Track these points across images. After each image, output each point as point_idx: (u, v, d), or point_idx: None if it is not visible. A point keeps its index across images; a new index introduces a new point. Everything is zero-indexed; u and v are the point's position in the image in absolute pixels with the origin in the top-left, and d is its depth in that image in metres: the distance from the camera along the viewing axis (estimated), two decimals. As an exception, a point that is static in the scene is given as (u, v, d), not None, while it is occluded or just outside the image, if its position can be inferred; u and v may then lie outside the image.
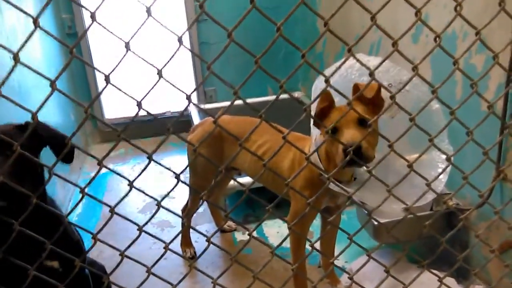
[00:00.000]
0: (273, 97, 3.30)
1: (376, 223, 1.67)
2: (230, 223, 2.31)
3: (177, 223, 2.32)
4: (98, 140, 3.48)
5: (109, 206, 0.93)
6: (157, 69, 0.83)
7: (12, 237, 0.86)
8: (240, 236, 2.28)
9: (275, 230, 2.28)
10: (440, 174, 1.20)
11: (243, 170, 1.83)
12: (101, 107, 3.43)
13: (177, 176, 0.95)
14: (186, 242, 2.11)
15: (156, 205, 0.97)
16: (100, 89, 3.43)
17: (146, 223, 0.96)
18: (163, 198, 0.97)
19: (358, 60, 0.91)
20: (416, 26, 1.00)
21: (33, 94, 2.06)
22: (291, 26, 3.25)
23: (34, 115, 0.79)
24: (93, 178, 0.93)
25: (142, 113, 0.90)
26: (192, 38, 3.37)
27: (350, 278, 1.17)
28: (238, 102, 0.85)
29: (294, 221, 1.19)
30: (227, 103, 3.06)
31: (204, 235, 1.04)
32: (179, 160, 2.92)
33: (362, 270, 1.19)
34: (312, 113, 1.27)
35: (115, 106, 3.44)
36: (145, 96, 0.88)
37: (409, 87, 1.25)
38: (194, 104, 0.90)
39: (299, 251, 1.64)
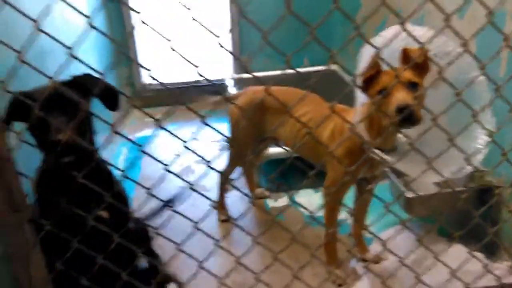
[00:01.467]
0: (309, 68, 3.33)
1: (409, 195, 1.72)
2: (263, 190, 2.39)
3: (212, 187, 2.41)
4: (137, 104, 3.57)
5: (164, 164, 0.98)
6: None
7: (75, 188, 0.94)
8: (272, 202, 2.36)
9: (306, 199, 2.34)
10: (478, 149, 1.21)
11: (282, 140, 1.88)
12: (140, 73, 3.52)
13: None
14: (222, 205, 2.21)
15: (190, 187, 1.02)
16: (139, 55, 3.50)
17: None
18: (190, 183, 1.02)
19: (406, 30, 0.93)
20: (464, 2, 1.01)
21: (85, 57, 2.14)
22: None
23: (102, 77, 0.86)
24: (149, 139, 0.98)
25: (178, 80, 0.95)
26: (231, 6, 3.40)
27: (383, 245, 1.22)
28: (275, 73, 0.89)
29: (330, 189, 1.24)
30: (262, 74, 3.12)
31: (247, 196, 1.09)
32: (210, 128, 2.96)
33: (391, 240, 1.24)
34: (359, 80, 1.31)
35: (154, 73, 3.52)
36: (176, 66, 0.91)
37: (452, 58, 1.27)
38: (201, 74, 0.94)
39: (333, 220, 1.70)
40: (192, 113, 0.95)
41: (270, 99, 1.71)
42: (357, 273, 1.79)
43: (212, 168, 1.02)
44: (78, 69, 1.11)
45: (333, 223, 1.68)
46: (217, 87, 3.44)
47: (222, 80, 3.41)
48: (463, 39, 0.94)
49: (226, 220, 2.18)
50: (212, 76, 3.52)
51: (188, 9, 0.86)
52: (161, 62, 3.47)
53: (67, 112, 1.10)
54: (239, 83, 3.27)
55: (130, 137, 3.12)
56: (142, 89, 3.56)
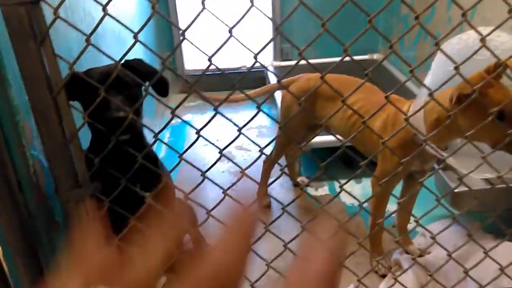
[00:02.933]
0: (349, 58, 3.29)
1: (457, 190, 1.68)
2: (303, 178, 2.39)
3: (252, 173, 2.43)
4: (177, 90, 3.64)
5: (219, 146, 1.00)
6: (228, 27, 0.87)
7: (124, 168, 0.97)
8: (313, 191, 2.36)
9: (348, 189, 2.33)
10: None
11: (333, 127, 1.88)
12: (183, 58, 3.57)
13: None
14: (264, 191, 2.23)
15: (240, 172, 1.04)
16: (176, 40, 3.55)
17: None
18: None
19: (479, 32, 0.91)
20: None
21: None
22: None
23: (164, 61, 0.88)
24: (209, 121, 1.00)
25: (219, 66, 0.96)
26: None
27: (433, 238, 1.21)
28: (317, 60, 0.87)
29: (381, 180, 1.23)
30: (303, 62, 3.10)
31: (297, 184, 1.10)
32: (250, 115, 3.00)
33: (436, 233, 1.22)
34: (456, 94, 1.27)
35: (196, 58, 3.57)
36: (215, 53, 0.92)
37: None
38: (260, 63, 0.94)
39: (380, 211, 1.70)
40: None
41: (323, 86, 1.70)
42: (400, 265, 1.78)
43: (264, 154, 1.04)
44: (129, 54, 1.14)
45: (381, 214, 1.68)
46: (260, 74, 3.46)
47: (263, 67, 3.42)
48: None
49: (268, 206, 2.20)
50: (252, 62, 3.52)
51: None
52: (202, 47, 3.52)
53: (122, 93, 1.14)
54: (280, 70, 3.27)
55: (172, 122, 3.18)
56: (184, 74, 3.61)
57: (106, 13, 0.78)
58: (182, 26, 3.76)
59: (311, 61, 3.08)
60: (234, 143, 1.10)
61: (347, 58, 0.84)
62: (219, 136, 2.79)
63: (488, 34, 0.93)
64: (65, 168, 0.91)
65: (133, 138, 1.11)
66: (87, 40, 0.79)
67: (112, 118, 1.04)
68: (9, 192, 0.92)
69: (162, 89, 1.30)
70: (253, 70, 3.58)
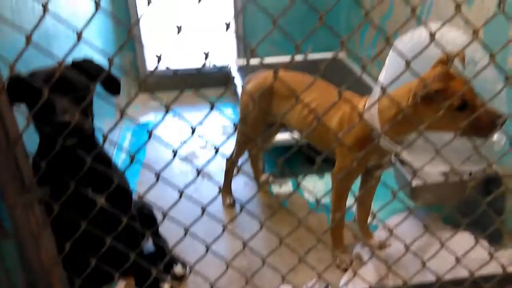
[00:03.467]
0: (314, 54, 3.32)
1: (415, 184, 1.72)
2: (267, 175, 2.39)
3: (216, 173, 2.42)
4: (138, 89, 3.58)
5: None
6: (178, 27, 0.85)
7: (74, 172, 0.94)
8: (277, 188, 2.36)
9: (311, 186, 2.35)
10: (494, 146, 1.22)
11: (290, 126, 1.88)
12: (144, 58, 3.51)
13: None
14: (227, 190, 2.22)
15: (197, 172, 1.03)
16: (144, 40, 3.49)
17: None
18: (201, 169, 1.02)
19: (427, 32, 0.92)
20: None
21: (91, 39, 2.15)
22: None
23: (110, 60, 0.85)
24: (160, 120, 0.98)
25: (183, 66, 0.94)
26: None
27: (390, 231, 1.23)
28: (279, 58, 0.86)
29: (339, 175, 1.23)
30: (268, 59, 3.10)
31: (254, 181, 1.09)
32: (214, 114, 2.98)
33: (396, 227, 1.25)
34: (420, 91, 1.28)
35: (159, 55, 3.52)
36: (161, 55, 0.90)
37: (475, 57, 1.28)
38: (213, 64, 0.93)
39: (341, 206, 1.71)
40: (194, 98, 0.94)
41: (278, 84, 1.70)
42: (361, 258, 1.80)
43: (218, 154, 1.02)
44: (82, 53, 1.10)
45: (341, 209, 1.70)
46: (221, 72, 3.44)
47: (226, 65, 3.40)
48: (473, 29, 0.93)
49: (231, 205, 2.19)
50: (216, 61, 3.51)
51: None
52: (164, 46, 3.46)
53: (69, 94, 1.10)
54: (242, 68, 3.27)
55: (134, 121, 3.14)
56: (145, 74, 3.55)
57: (45, 11, 0.74)
58: (144, 24, 3.63)
59: (273, 58, 3.10)
60: (198, 143, 1.09)
61: (310, 57, 0.84)
62: (184, 136, 2.77)
63: (437, 30, 0.95)
64: (10, 172, 0.87)
65: (82, 141, 1.08)
66: (28, 39, 0.76)
67: (57, 122, 1.00)
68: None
69: (114, 88, 1.27)
70: (217, 68, 3.56)
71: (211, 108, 0.97)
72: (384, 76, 1.30)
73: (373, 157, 1.56)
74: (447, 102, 1.16)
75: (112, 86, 1.23)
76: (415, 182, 1.65)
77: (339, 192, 1.69)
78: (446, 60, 1.27)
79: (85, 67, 1.17)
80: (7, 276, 1.08)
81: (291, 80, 1.73)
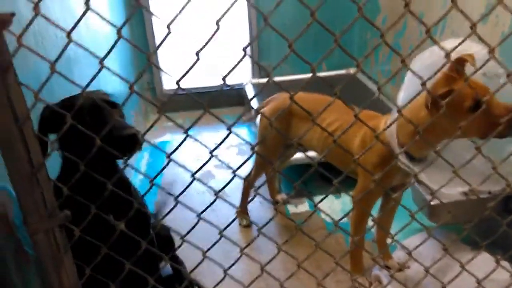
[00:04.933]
0: (328, 73, 3.33)
1: (433, 203, 1.70)
2: (283, 195, 2.39)
3: (232, 193, 2.42)
4: (156, 110, 3.62)
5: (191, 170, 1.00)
6: (195, 51, 0.87)
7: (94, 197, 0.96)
8: (293, 208, 2.36)
9: (327, 205, 2.34)
10: (507, 157, 1.20)
11: (310, 147, 1.88)
12: (161, 79, 3.56)
13: (253, 148, 1.00)
14: (244, 210, 2.22)
15: (215, 194, 1.04)
16: (160, 62, 3.54)
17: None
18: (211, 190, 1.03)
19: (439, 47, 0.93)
20: (486, 6, 1.00)
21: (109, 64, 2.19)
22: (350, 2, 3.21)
23: (132, 86, 0.87)
24: (179, 145, 0.99)
25: (199, 85, 0.96)
26: (250, 11, 3.41)
27: (409, 254, 1.22)
28: (294, 77, 0.86)
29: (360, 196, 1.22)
30: (282, 78, 3.12)
31: (277, 202, 1.09)
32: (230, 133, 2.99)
33: (414, 247, 1.23)
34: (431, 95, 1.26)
35: (175, 78, 3.57)
36: (183, 76, 0.91)
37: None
38: (228, 85, 0.93)
39: (361, 227, 1.69)
40: (211, 118, 0.96)
41: (297, 106, 1.70)
42: (380, 280, 1.77)
43: (236, 176, 1.03)
44: (102, 77, 1.13)
45: (361, 231, 1.68)
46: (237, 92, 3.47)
47: (242, 85, 3.43)
48: (489, 46, 0.93)
49: (248, 225, 2.19)
50: (231, 80, 3.54)
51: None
52: (179, 66, 3.52)
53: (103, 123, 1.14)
54: (258, 88, 3.29)
55: (151, 142, 3.17)
56: (162, 94, 3.60)
57: (70, 40, 0.77)
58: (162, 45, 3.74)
59: (288, 78, 3.12)
60: (213, 162, 1.11)
61: (324, 74, 0.84)
62: (200, 154, 2.78)
63: (454, 48, 0.95)
64: (33, 198, 0.89)
65: (105, 165, 1.10)
66: (52, 68, 0.78)
67: (127, 135, 1.06)
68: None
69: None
70: (232, 87, 3.60)
71: (229, 133, 0.99)
72: (402, 96, 1.30)
73: (397, 177, 1.55)
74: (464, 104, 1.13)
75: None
76: (433, 202, 1.63)
77: (360, 214, 1.66)
78: (456, 65, 1.26)
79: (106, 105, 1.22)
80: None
81: (311, 102, 1.74)
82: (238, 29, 3.50)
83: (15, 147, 0.84)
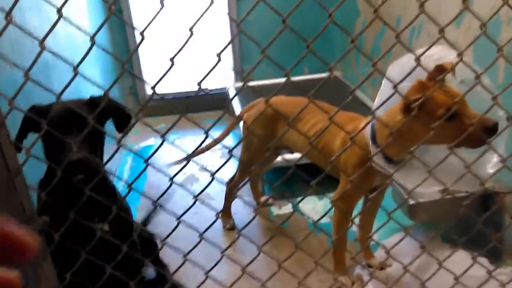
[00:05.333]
0: (311, 76, 3.36)
1: (412, 202, 1.73)
2: (266, 198, 2.41)
3: (216, 195, 2.43)
4: (139, 115, 3.62)
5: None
6: (170, 57, 0.88)
7: (82, 202, 0.96)
8: (276, 210, 2.37)
9: (310, 206, 2.36)
10: (479, 157, 1.23)
11: (295, 149, 1.90)
12: (143, 83, 3.56)
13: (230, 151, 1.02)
14: (227, 213, 2.23)
15: (194, 198, 1.05)
16: (142, 66, 3.54)
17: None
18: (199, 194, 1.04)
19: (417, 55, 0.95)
20: (460, 9, 1.03)
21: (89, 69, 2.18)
22: (330, 5, 3.25)
23: (106, 93, 0.88)
24: (156, 150, 1.00)
25: (184, 90, 0.96)
26: (231, 13, 3.43)
27: (387, 253, 1.24)
28: (277, 80, 0.87)
29: (339, 197, 1.24)
30: (264, 82, 3.15)
31: (253, 204, 1.10)
32: (213, 136, 3.01)
33: (395, 246, 1.25)
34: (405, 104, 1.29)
35: (152, 84, 3.57)
36: (158, 82, 0.92)
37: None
38: (205, 90, 0.95)
39: (343, 227, 1.71)
40: (195, 121, 0.97)
41: (281, 110, 1.72)
42: (362, 279, 1.80)
43: (216, 179, 1.05)
44: (82, 83, 1.12)
45: (343, 232, 1.70)
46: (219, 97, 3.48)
47: (224, 89, 3.44)
48: (458, 50, 0.96)
49: (231, 228, 2.20)
50: (214, 85, 3.56)
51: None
52: (162, 71, 3.51)
53: (80, 130, 1.13)
54: (240, 92, 3.31)
55: (135, 146, 3.17)
56: (144, 99, 3.59)
57: (43, 48, 0.78)
58: (143, 49, 3.66)
59: (271, 81, 3.12)
60: (198, 165, 1.12)
61: (307, 77, 0.85)
62: (179, 159, 2.78)
63: (422, 54, 0.98)
64: (11, 203, 0.89)
65: (89, 176, 1.10)
66: (26, 75, 0.79)
67: (67, 160, 1.03)
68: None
69: (122, 124, 1.30)
70: (214, 92, 3.60)
71: (206, 137, 1.00)
72: (377, 99, 1.32)
73: (376, 178, 1.56)
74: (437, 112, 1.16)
75: (122, 122, 1.26)
76: (411, 201, 1.66)
77: (342, 214, 1.69)
78: (436, 71, 1.28)
79: (99, 104, 1.21)
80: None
81: (293, 105, 1.76)
82: (222, 34, 3.52)
83: (-8, 153, 0.84)
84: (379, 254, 1.95)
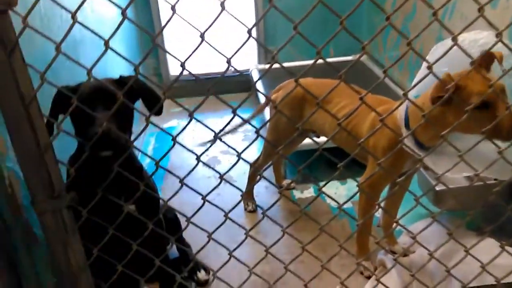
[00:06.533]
0: (337, 59, 3.31)
1: (439, 188, 1.70)
2: (288, 181, 2.40)
3: (238, 177, 2.43)
4: (162, 96, 3.62)
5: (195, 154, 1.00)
6: (200, 32, 0.86)
7: (110, 179, 0.96)
8: (298, 194, 2.37)
9: (333, 191, 2.35)
10: (510, 144, 1.19)
11: (322, 132, 1.88)
12: (167, 63, 3.56)
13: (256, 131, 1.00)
14: (249, 195, 2.23)
15: (220, 177, 1.04)
16: (166, 45, 3.54)
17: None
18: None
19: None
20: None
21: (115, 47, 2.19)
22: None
23: (137, 68, 0.88)
24: (184, 127, 1.00)
25: (206, 71, 0.95)
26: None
27: (413, 238, 1.22)
28: (302, 63, 0.85)
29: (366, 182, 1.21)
30: (288, 64, 3.11)
31: (276, 186, 1.08)
32: (236, 119, 2.99)
33: (419, 232, 1.23)
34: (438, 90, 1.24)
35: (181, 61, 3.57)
36: (187, 58, 0.91)
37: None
38: (234, 68, 0.93)
39: (369, 211, 1.69)
40: (216, 104, 0.96)
41: (311, 91, 1.69)
42: (385, 265, 1.78)
43: (241, 159, 1.04)
44: (109, 61, 1.12)
45: (368, 217, 1.68)
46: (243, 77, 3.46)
47: (248, 71, 3.42)
48: (497, 30, 0.92)
49: (253, 211, 2.20)
50: (238, 66, 3.53)
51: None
52: (186, 51, 3.51)
53: (109, 107, 1.14)
54: (264, 73, 3.28)
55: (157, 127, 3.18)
56: (169, 80, 3.60)
57: (75, 21, 0.77)
58: (168, 31, 3.67)
59: (296, 63, 3.10)
60: (219, 147, 1.11)
61: (331, 60, 0.84)
62: (206, 140, 2.79)
63: (458, 34, 0.94)
64: (40, 179, 0.90)
65: (117, 153, 1.10)
66: (57, 49, 0.79)
67: (93, 133, 1.03)
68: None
69: (153, 106, 1.30)
70: (238, 73, 3.57)
71: (234, 115, 0.99)
72: (415, 80, 1.29)
73: (407, 163, 1.53)
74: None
75: (152, 104, 1.26)
76: (438, 187, 1.63)
77: (367, 199, 1.66)
78: (482, 60, 1.24)
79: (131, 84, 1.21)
80: (37, 280, 1.11)
81: (320, 86, 1.73)
82: (246, 15, 3.49)
83: (22, 128, 0.85)
84: (402, 240, 1.93)
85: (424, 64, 1.27)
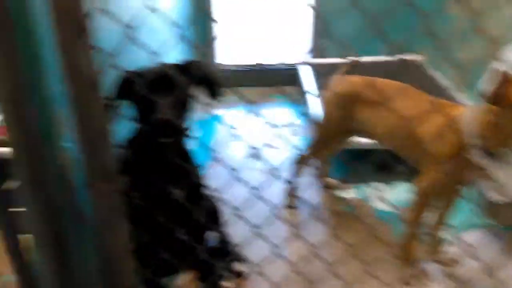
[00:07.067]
0: (387, 57, 3.20)
1: (497, 200, 1.60)
2: (331, 180, 2.35)
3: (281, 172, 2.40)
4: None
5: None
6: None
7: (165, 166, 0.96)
8: (341, 194, 2.32)
9: (379, 194, 2.28)
10: None
11: (371, 133, 1.83)
12: (213, 52, 3.57)
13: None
14: (292, 191, 2.19)
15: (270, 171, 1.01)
16: (215, 36, 3.54)
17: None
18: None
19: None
20: None
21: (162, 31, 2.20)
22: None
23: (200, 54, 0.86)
24: (244, 119, 0.98)
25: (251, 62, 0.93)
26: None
27: (468, 251, 1.17)
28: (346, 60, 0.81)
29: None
30: (336, 60, 3.03)
31: (326, 186, 1.05)
32: (281, 112, 3.01)
33: (469, 243, 1.17)
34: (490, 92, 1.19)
35: (231, 53, 3.57)
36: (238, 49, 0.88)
37: None
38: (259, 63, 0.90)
39: (419, 218, 1.63)
40: (261, 96, 0.93)
41: (366, 90, 1.64)
42: (428, 274, 1.72)
43: (293, 152, 1.01)
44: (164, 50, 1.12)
45: (416, 223, 1.62)
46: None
47: (295, 64, 3.37)
48: None
49: (294, 207, 2.17)
50: (285, 59, 3.49)
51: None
52: (232, 42, 3.50)
53: (172, 93, 1.14)
54: (312, 68, 3.23)
55: (202, 116, 3.20)
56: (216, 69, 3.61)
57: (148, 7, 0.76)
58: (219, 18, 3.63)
59: (343, 60, 2.98)
60: (262, 141, 1.09)
61: (381, 59, 0.79)
62: (250, 131, 2.78)
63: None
64: (98, 161, 0.91)
65: (175, 139, 1.10)
66: (127, 32, 0.78)
67: (156, 121, 1.04)
68: (39, 183, 0.92)
69: (212, 90, 1.31)
70: (287, 66, 3.53)
71: (279, 106, 0.96)
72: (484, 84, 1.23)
73: (469, 170, 1.46)
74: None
75: (211, 88, 1.26)
76: (495, 199, 1.55)
77: (421, 205, 1.60)
78: None
79: (193, 69, 1.21)
80: (83, 261, 1.13)
81: (383, 87, 1.69)
82: (298, 10, 3.44)
83: (85, 110, 0.86)
84: (448, 249, 1.86)
85: (493, 68, 1.21)
